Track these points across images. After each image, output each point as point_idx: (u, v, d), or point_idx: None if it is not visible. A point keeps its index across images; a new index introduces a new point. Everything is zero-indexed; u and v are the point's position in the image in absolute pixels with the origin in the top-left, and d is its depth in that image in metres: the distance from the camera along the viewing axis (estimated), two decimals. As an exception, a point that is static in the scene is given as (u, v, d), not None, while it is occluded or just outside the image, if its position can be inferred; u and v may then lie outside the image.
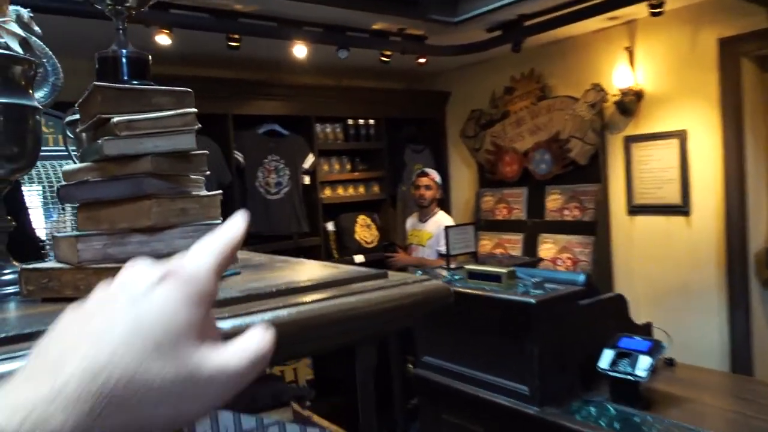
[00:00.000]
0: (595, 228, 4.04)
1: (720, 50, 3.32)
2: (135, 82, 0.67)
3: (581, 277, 2.53)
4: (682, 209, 3.58)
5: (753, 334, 3.36)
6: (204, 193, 0.67)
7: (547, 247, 4.37)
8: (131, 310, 0.31)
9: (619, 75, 3.74)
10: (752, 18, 3.15)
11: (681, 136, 3.56)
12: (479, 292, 2.42)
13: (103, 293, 0.33)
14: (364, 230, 4.75)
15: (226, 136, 3.92)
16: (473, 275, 2.59)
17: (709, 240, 3.46)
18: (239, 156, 4.01)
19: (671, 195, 3.64)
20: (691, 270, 3.55)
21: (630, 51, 3.70)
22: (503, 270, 2.48)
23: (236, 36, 2.97)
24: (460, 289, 2.50)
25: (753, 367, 3.35)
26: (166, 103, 0.63)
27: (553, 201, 4.39)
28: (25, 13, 0.73)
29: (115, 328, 0.30)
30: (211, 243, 0.35)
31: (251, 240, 4.08)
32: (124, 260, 0.36)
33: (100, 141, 0.60)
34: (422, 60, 3.81)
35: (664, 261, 3.68)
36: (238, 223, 0.36)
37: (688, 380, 2.27)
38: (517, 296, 2.25)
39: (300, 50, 3.29)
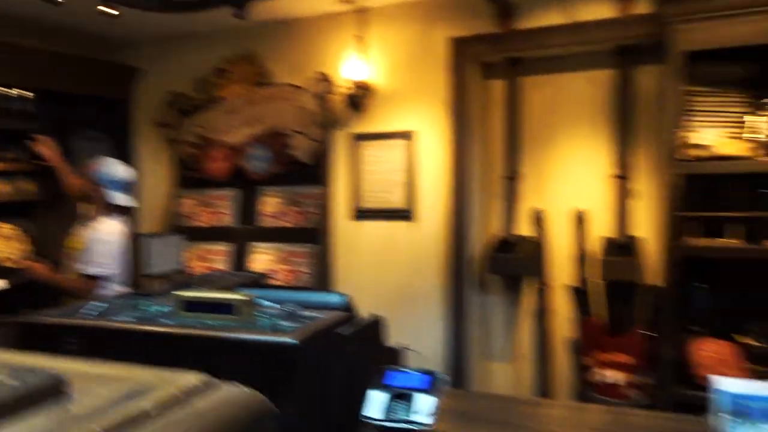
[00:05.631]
0: (317, 235, 3.60)
1: (450, 51, 3.21)
2: None
3: (338, 299, 1.97)
4: (407, 214, 3.39)
5: (469, 339, 3.32)
6: None
7: (261, 258, 3.76)
8: None
9: (348, 66, 3.37)
10: (479, 21, 3.11)
11: (409, 137, 3.36)
12: (203, 332, 1.65)
13: None
14: (3, 243, 3.36)
15: None
16: (192, 306, 1.78)
17: (435, 246, 3.32)
18: None
19: (398, 199, 3.42)
20: (416, 277, 3.37)
21: (360, 40, 3.35)
22: (237, 296, 1.74)
23: None
24: (172, 330, 1.68)
25: (467, 374, 3.30)
26: None
27: (269, 204, 3.80)
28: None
29: None
30: None
31: None
32: None
33: None
34: (109, 10, 2.74)
35: (390, 269, 3.43)
36: None
37: (473, 413, 1.72)
38: (269, 335, 1.56)
39: None
